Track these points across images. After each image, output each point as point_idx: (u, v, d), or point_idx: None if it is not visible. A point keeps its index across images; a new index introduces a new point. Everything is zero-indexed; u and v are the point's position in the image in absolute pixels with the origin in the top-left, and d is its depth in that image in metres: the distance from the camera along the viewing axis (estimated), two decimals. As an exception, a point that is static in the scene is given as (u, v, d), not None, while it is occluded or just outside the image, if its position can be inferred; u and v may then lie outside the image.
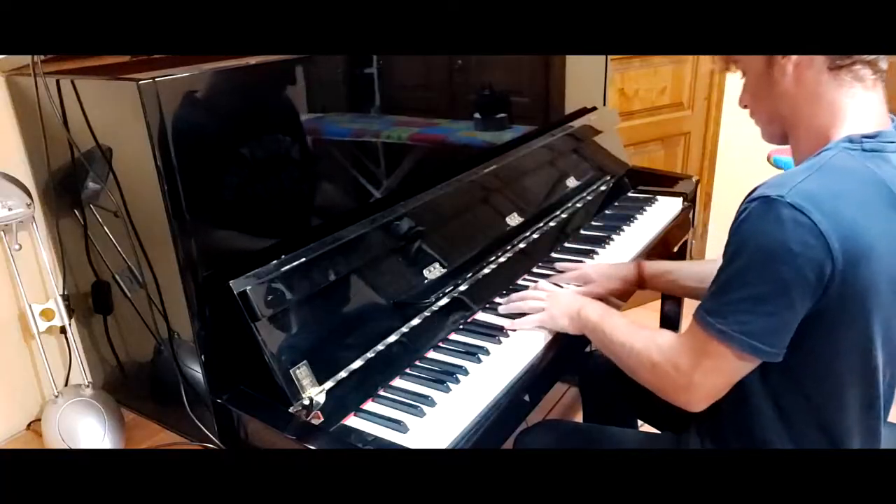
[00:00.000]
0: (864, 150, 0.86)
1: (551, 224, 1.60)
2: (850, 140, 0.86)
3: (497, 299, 1.30)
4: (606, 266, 1.39)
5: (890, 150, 0.87)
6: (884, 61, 0.88)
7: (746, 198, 0.85)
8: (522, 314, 1.20)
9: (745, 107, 1.01)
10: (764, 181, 0.85)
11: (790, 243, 0.79)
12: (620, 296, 1.36)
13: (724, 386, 0.91)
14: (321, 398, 0.99)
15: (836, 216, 0.79)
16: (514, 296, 1.25)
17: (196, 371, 1.03)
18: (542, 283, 1.30)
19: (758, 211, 0.82)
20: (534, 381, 1.10)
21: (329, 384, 1.02)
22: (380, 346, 1.11)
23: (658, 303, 1.99)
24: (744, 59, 0.96)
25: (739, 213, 0.85)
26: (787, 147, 0.98)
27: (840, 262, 0.79)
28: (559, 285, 1.30)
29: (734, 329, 0.84)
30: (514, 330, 1.18)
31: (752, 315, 0.83)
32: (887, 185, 0.84)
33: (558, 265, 1.43)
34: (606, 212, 1.76)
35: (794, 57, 0.88)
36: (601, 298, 1.28)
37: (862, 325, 0.85)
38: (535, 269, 1.43)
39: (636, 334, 1.01)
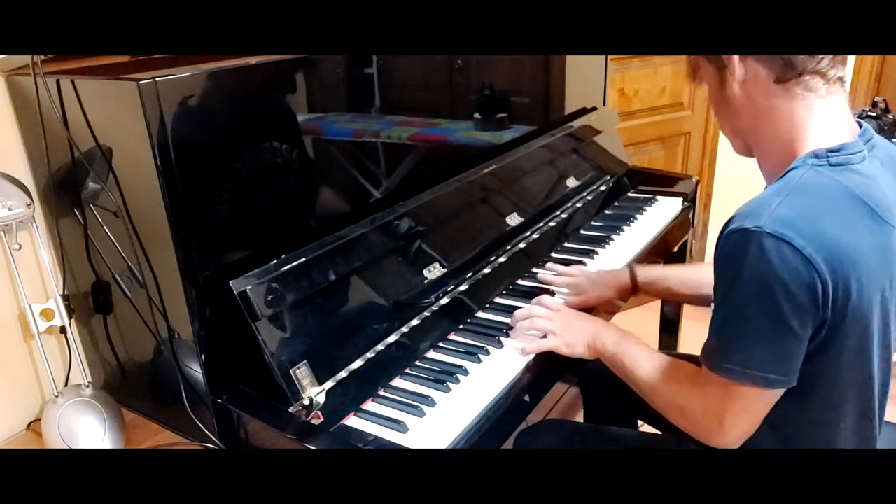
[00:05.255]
0: (830, 164, 0.84)
1: (551, 224, 1.60)
2: (816, 155, 0.85)
3: (497, 299, 1.29)
4: (598, 274, 1.34)
5: (856, 162, 0.85)
6: (834, 70, 0.85)
7: (724, 228, 0.84)
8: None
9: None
10: (737, 210, 0.84)
11: (779, 273, 0.78)
12: (614, 302, 1.34)
13: (755, 423, 0.89)
14: (321, 398, 0.99)
15: (817, 237, 0.78)
16: (518, 314, 1.18)
17: (196, 371, 1.03)
18: (544, 297, 1.23)
19: (739, 244, 0.80)
20: (534, 381, 1.09)
21: (329, 384, 1.02)
22: (380, 346, 1.11)
23: (658, 303, 1.99)
24: (703, 72, 0.94)
25: (720, 245, 0.84)
26: None
27: (829, 281, 0.78)
28: (551, 292, 1.29)
29: (744, 367, 0.83)
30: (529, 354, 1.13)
31: (757, 350, 0.82)
32: (859, 197, 0.83)
33: (549, 266, 1.40)
34: (606, 212, 1.76)
35: (737, 73, 0.87)
36: (595, 307, 1.27)
37: (860, 336, 0.84)
38: (534, 269, 1.44)
39: (658, 370, 0.98)
